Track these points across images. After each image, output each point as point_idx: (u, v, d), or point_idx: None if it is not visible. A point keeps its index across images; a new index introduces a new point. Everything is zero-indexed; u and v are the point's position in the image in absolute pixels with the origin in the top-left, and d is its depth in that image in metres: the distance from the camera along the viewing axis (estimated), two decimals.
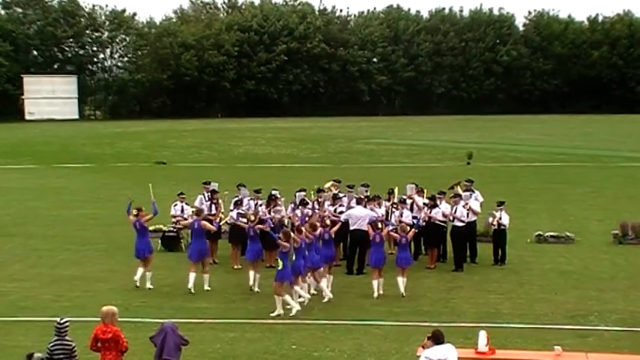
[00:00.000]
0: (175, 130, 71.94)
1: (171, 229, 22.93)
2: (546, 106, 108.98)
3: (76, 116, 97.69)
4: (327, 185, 22.93)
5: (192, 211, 22.23)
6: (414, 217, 20.63)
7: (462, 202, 20.80)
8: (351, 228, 20.24)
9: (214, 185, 22.73)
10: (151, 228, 20.27)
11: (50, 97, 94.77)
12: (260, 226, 18.94)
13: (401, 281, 17.82)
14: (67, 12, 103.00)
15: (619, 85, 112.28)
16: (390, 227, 19.31)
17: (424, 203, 21.32)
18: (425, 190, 22.33)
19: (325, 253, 18.46)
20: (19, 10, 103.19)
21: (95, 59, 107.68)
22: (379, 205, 20.80)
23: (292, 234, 16.72)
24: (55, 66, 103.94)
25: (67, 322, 10.96)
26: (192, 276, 18.08)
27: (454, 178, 26.34)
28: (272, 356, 13.86)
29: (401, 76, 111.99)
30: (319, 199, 21.10)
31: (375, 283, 17.84)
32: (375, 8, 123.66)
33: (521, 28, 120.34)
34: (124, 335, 11.18)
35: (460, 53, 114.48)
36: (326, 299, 17.37)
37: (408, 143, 59.51)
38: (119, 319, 11.32)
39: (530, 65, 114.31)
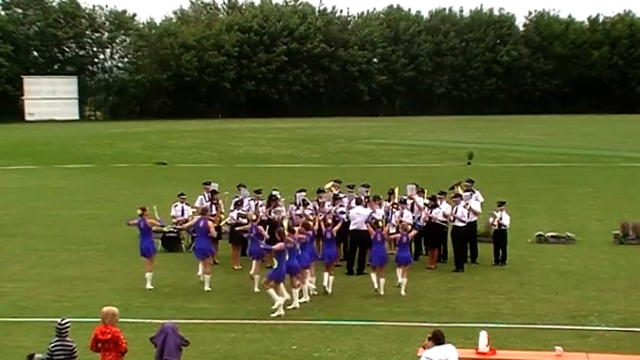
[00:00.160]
0: (176, 131, 71.92)
1: (172, 229, 22.91)
2: (547, 106, 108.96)
3: (77, 117, 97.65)
4: (328, 186, 22.92)
5: (193, 212, 22.29)
6: (414, 218, 20.64)
7: (463, 203, 20.80)
8: (351, 228, 20.25)
9: (214, 186, 22.74)
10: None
11: (50, 97, 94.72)
12: (261, 227, 18.97)
13: (400, 276, 17.85)
14: (68, 13, 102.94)
15: (619, 85, 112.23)
16: (392, 229, 19.34)
17: (425, 203, 21.31)
18: (425, 191, 22.33)
19: (327, 252, 18.51)
20: (20, 10, 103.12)
21: (95, 60, 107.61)
22: (380, 205, 20.80)
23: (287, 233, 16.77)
24: (56, 67, 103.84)
25: (67, 322, 10.94)
26: (200, 269, 18.51)
27: (454, 178, 26.34)
28: (272, 356, 13.86)
29: (401, 77, 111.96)
30: (319, 200, 21.12)
31: (373, 276, 17.88)
32: (374, 9, 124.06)
33: (521, 29, 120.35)
34: (124, 336, 11.16)
35: (460, 53, 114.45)
36: (300, 300, 17.14)
37: (409, 143, 59.50)
38: (119, 320, 11.30)
39: (531, 65, 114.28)
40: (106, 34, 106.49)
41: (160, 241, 22.69)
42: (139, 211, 18.83)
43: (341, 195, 21.99)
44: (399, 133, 71.50)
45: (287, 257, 16.47)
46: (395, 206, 21.14)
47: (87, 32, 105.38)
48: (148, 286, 18.41)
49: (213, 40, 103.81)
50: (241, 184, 22.59)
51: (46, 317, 15.34)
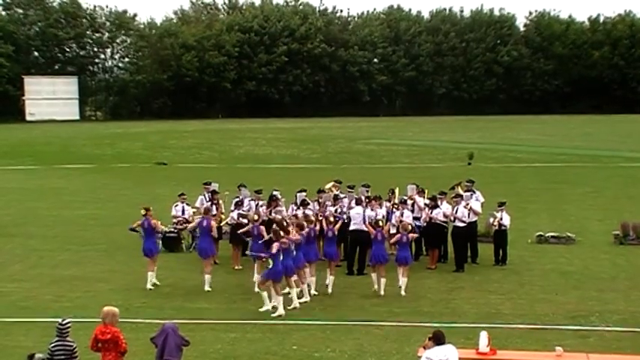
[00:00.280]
0: (176, 131, 71.92)
1: (172, 229, 22.92)
2: (547, 106, 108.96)
3: (77, 117, 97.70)
4: (328, 186, 22.93)
5: (194, 212, 22.31)
6: (414, 218, 20.65)
7: (463, 203, 20.80)
8: (351, 228, 20.26)
9: (215, 186, 22.75)
10: None
11: (51, 97, 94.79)
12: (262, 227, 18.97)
13: (401, 275, 17.86)
14: (68, 13, 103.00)
15: (620, 86, 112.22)
16: (392, 230, 19.33)
17: (425, 204, 21.32)
18: (426, 191, 22.33)
19: (328, 251, 18.50)
20: (20, 10, 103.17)
21: (96, 60, 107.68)
22: (380, 205, 20.80)
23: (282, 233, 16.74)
24: (56, 67, 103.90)
25: (68, 322, 10.94)
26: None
27: (455, 178, 26.36)
28: (273, 357, 13.86)
29: (401, 77, 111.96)
30: (320, 200, 21.12)
31: (374, 276, 17.89)
32: (375, 9, 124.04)
33: (522, 29, 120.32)
34: (124, 336, 11.17)
35: (461, 54, 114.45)
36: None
37: (409, 144, 59.48)
38: (119, 320, 11.31)
39: (531, 65, 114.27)
40: (107, 34, 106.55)
41: (159, 242, 22.72)
42: (143, 212, 18.85)
43: (341, 195, 22.01)
44: (400, 133, 71.49)
45: (281, 257, 16.46)
46: (395, 206, 21.15)
47: (87, 32, 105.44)
48: (149, 285, 18.42)
49: (214, 41, 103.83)
50: (242, 184, 22.60)
51: (47, 317, 15.35)
